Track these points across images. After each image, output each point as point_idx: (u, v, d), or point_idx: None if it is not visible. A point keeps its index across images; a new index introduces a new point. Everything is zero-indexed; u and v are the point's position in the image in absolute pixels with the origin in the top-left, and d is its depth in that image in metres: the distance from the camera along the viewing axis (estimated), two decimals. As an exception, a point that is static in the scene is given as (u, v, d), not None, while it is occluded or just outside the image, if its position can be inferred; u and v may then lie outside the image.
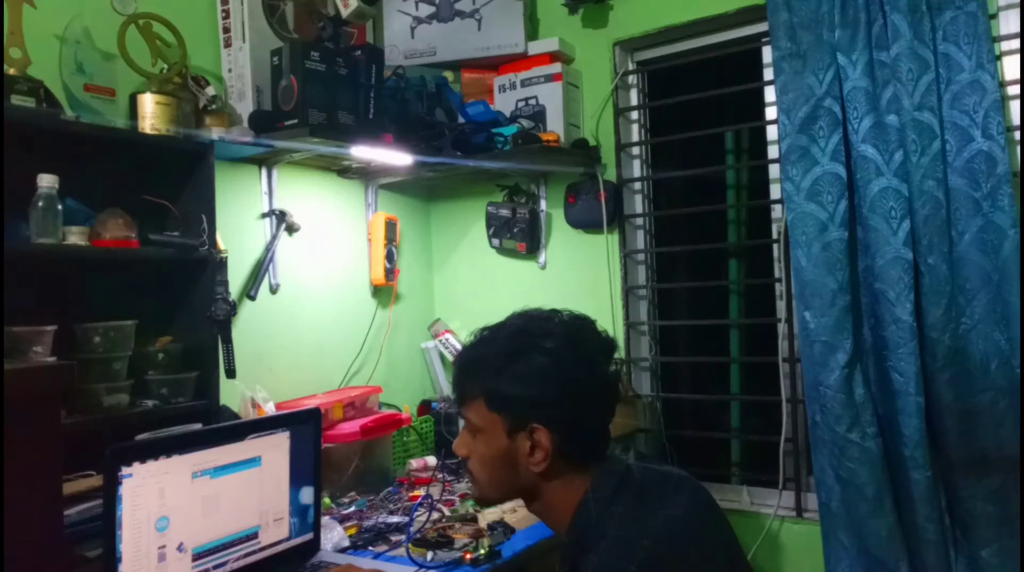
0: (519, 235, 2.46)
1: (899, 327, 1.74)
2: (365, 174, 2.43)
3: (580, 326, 1.15)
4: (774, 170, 2.13)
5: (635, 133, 2.41)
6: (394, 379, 2.52)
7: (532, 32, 2.44)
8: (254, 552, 1.54)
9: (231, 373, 1.82)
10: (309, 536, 1.66)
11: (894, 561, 1.78)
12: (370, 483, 2.09)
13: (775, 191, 2.14)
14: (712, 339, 2.60)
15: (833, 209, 1.82)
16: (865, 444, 1.78)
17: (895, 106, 1.77)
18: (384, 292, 2.54)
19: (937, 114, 1.74)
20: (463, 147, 2.14)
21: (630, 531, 1.03)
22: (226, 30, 1.99)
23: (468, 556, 1.60)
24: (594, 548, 1.03)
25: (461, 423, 1.21)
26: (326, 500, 1.93)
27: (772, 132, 2.12)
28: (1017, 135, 1.77)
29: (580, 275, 2.42)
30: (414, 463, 2.23)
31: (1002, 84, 1.76)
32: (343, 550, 1.69)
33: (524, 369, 1.08)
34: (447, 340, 2.61)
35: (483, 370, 1.12)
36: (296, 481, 1.62)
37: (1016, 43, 1.76)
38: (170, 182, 1.74)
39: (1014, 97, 1.78)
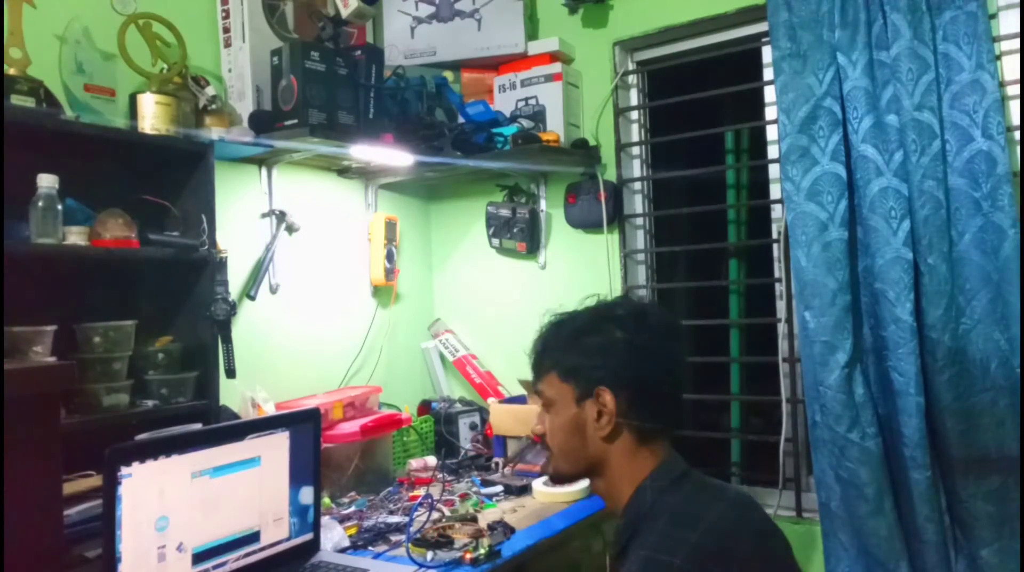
0: (519, 235, 2.46)
1: (899, 327, 1.74)
2: (365, 174, 2.44)
3: (645, 307, 1.26)
4: (774, 170, 2.13)
5: (635, 133, 2.41)
6: (394, 379, 2.52)
7: (532, 32, 2.44)
8: (254, 552, 1.54)
9: (231, 373, 1.82)
10: (309, 536, 1.65)
11: (894, 561, 1.78)
12: (370, 483, 2.09)
13: (775, 191, 2.14)
14: (712, 339, 2.60)
15: (833, 209, 1.82)
16: (865, 444, 1.78)
17: (895, 106, 1.77)
18: (384, 292, 2.54)
19: (937, 114, 1.74)
20: (463, 147, 2.14)
21: (680, 524, 1.05)
22: (226, 30, 1.99)
23: (468, 556, 1.60)
24: (644, 537, 1.05)
25: (536, 408, 1.28)
26: (326, 500, 1.93)
27: (772, 132, 2.12)
28: (1017, 135, 1.77)
29: (580, 275, 2.42)
30: (414, 463, 2.23)
31: (1002, 84, 1.76)
32: (343, 550, 1.69)
33: (590, 341, 1.16)
34: (447, 340, 2.61)
35: (555, 346, 1.20)
36: (296, 481, 1.62)
37: (1016, 43, 1.76)
38: (170, 182, 1.74)
39: (1014, 97, 1.78)
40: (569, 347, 1.17)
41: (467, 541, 1.67)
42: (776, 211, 2.15)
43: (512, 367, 2.46)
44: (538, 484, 2.00)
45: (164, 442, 1.42)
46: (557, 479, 1.26)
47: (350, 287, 2.44)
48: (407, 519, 1.77)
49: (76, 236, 1.52)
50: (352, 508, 1.94)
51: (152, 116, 1.70)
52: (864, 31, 1.80)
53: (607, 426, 1.13)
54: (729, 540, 1.04)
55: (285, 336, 2.20)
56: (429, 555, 1.59)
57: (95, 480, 1.42)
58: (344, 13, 2.03)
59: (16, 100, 1.48)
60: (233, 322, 1.84)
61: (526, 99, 2.34)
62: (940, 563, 1.74)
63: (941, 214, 1.73)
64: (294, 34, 2.08)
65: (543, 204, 2.48)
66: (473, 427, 2.41)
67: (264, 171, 2.15)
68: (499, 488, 2.06)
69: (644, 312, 1.19)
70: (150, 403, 1.63)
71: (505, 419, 2.23)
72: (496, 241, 2.51)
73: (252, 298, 2.07)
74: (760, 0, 1.98)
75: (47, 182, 1.46)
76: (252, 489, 1.54)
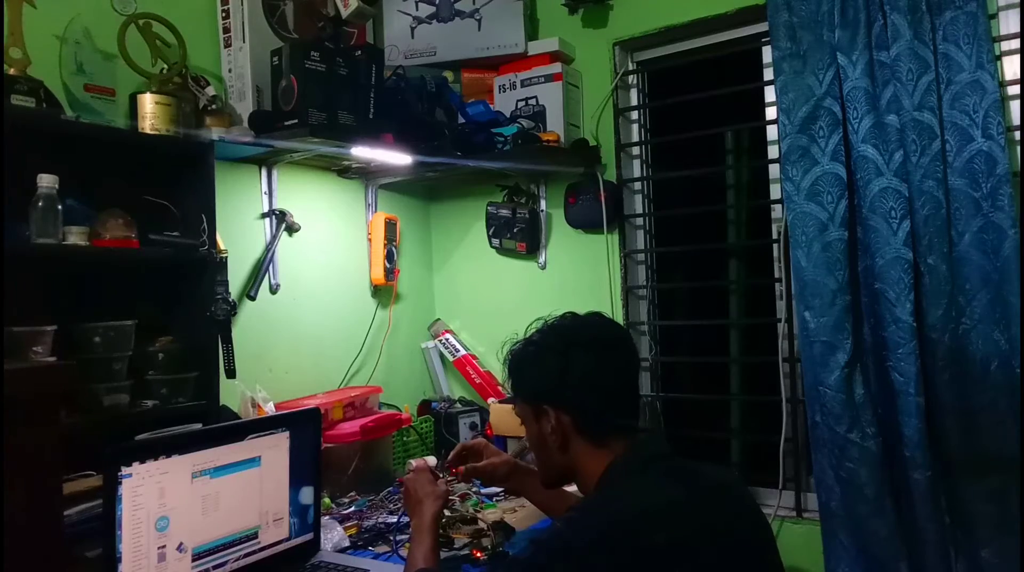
0: (519, 235, 2.46)
1: (899, 327, 1.74)
2: (365, 174, 2.44)
3: (585, 322, 1.31)
4: (774, 170, 2.13)
5: (635, 133, 2.41)
6: (394, 379, 2.52)
7: (532, 32, 2.44)
8: (254, 552, 1.54)
9: (231, 373, 1.82)
10: (309, 536, 1.66)
11: (894, 561, 1.78)
12: (370, 483, 2.09)
13: (775, 191, 2.14)
14: (712, 339, 2.60)
15: (833, 209, 1.82)
16: (865, 444, 1.78)
17: (895, 106, 1.77)
18: (384, 292, 2.54)
19: (937, 114, 1.74)
20: (463, 147, 2.14)
21: (601, 507, 1.12)
22: (226, 30, 1.99)
23: (478, 554, 1.61)
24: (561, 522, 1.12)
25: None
26: (326, 500, 1.93)
27: (772, 132, 2.12)
28: (1017, 135, 1.77)
29: (580, 275, 2.42)
30: (414, 463, 2.22)
31: (1002, 84, 1.75)
32: (343, 550, 1.69)
33: (535, 364, 1.28)
34: (447, 340, 2.61)
35: (513, 373, 1.33)
36: (296, 481, 1.62)
37: (1016, 43, 1.76)
38: (170, 182, 1.74)
39: (1014, 97, 1.78)
40: (521, 373, 1.31)
41: (467, 541, 1.67)
42: (776, 211, 2.15)
43: (512, 367, 2.46)
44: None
45: (164, 442, 1.42)
46: (545, 485, 1.38)
47: (350, 287, 2.44)
48: (407, 519, 1.77)
49: (76, 236, 1.52)
50: (352, 508, 1.94)
51: (152, 116, 1.70)
52: (864, 31, 1.80)
53: (559, 438, 1.24)
54: (670, 525, 1.07)
55: (285, 336, 2.20)
56: (429, 555, 1.59)
57: (95, 480, 1.42)
58: (344, 13, 2.03)
59: (16, 100, 1.48)
60: (233, 322, 1.84)
61: (526, 99, 2.34)
62: (940, 563, 1.74)
63: (941, 214, 1.73)
64: (294, 34, 2.08)
65: (543, 204, 2.48)
66: (473, 427, 2.41)
67: (264, 171, 2.15)
68: (499, 488, 2.06)
69: (583, 328, 1.30)
70: (150, 403, 1.63)
71: (505, 419, 2.23)
72: (496, 241, 2.51)
73: (252, 298, 2.07)
74: (760, 0, 1.98)
75: (47, 182, 1.46)
76: (252, 489, 1.54)
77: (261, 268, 2.11)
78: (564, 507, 1.49)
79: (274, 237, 2.15)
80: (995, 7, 1.80)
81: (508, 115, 2.33)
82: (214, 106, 1.87)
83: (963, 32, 1.72)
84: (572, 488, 1.34)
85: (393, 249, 2.49)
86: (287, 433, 1.61)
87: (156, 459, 1.36)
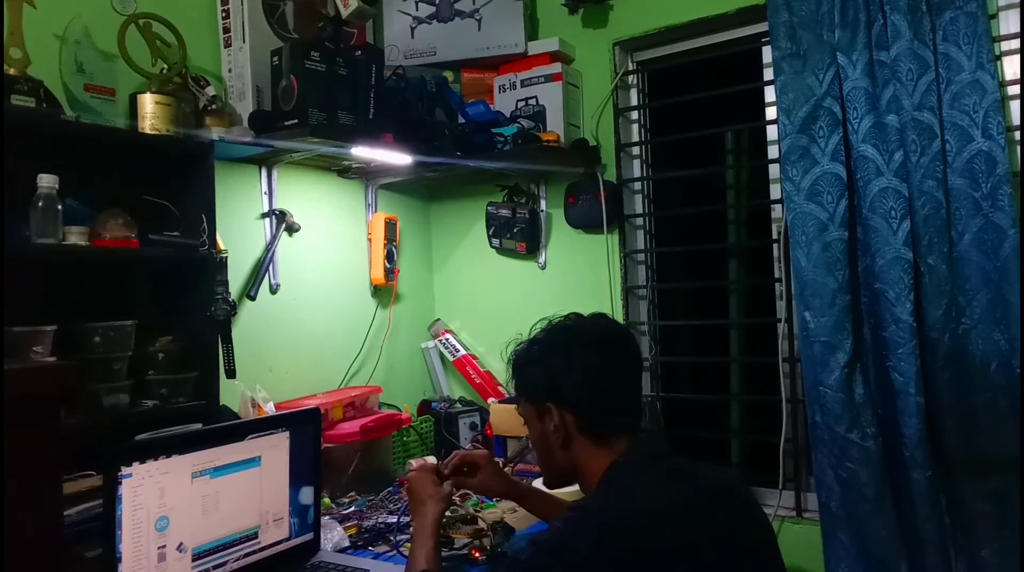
0: (519, 235, 2.46)
1: (899, 327, 1.74)
2: (365, 174, 2.44)
3: (588, 323, 1.33)
4: (774, 170, 2.13)
5: (635, 133, 2.41)
6: (394, 379, 2.52)
7: (532, 32, 2.44)
8: (254, 552, 1.54)
9: (231, 373, 1.82)
10: (309, 536, 1.66)
11: (894, 561, 1.78)
12: (370, 483, 2.09)
13: (775, 191, 2.14)
14: (712, 339, 2.60)
15: (833, 209, 1.82)
16: (865, 444, 1.78)
17: (895, 106, 1.77)
18: (384, 292, 2.54)
19: (937, 114, 1.74)
20: (463, 147, 2.14)
21: (602, 509, 1.12)
22: (226, 30, 1.99)
23: (477, 554, 1.61)
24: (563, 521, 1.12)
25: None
26: (326, 500, 1.93)
27: (772, 132, 2.12)
28: (1017, 135, 1.77)
29: (580, 275, 2.42)
30: (414, 463, 2.22)
31: (1002, 84, 1.75)
32: (343, 550, 1.69)
33: (539, 363, 1.29)
34: (447, 340, 2.61)
35: (517, 371, 1.34)
36: (296, 481, 1.62)
37: (1016, 43, 1.76)
38: (170, 182, 1.74)
39: (1014, 97, 1.78)
40: (525, 371, 1.32)
41: (467, 541, 1.67)
42: (776, 211, 2.15)
43: (512, 367, 2.46)
44: (538, 483, 1.99)
45: (164, 442, 1.42)
46: (547, 485, 1.39)
47: (350, 287, 2.44)
48: (407, 519, 1.77)
49: (76, 236, 1.52)
50: (352, 508, 1.94)
51: (152, 116, 1.70)
52: (864, 31, 1.80)
53: (561, 436, 1.25)
54: (671, 524, 1.08)
55: (285, 336, 2.20)
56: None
57: (95, 480, 1.42)
58: (344, 13, 2.03)
59: (16, 100, 1.48)
60: (233, 322, 1.84)
61: (526, 99, 2.34)
62: (940, 563, 1.74)
63: (941, 214, 1.73)
64: (294, 34, 2.08)
65: (543, 204, 2.48)
66: (473, 427, 2.41)
67: (264, 171, 2.15)
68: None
69: (586, 328, 1.32)
70: (150, 403, 1.63)
71: (505, 419, 2.23)
72: (496, 241, 2.51)
73: (252, 298, 2.07)
74: (760, 0, 1.98)
75: (47, 182, 1.46)
76: (252, 489, 1.54)
77: (261, 268, 2.11)
78: None
79: (274, 237, 2.15)
80: (995, 7, 1.80)
81: (508, 115, 2.33)
82: (214, 106, 1.87)
83: (963, 32, 1.72)
84: (574, 488, 1.34)
85: (393, 249, 2.49)
86: (287, 433, 1.61)
87: (156, 459, 1.36)
